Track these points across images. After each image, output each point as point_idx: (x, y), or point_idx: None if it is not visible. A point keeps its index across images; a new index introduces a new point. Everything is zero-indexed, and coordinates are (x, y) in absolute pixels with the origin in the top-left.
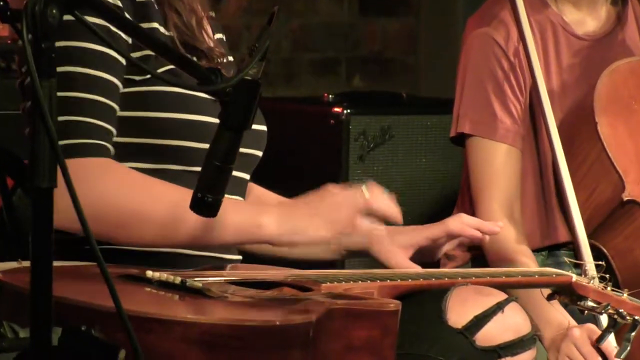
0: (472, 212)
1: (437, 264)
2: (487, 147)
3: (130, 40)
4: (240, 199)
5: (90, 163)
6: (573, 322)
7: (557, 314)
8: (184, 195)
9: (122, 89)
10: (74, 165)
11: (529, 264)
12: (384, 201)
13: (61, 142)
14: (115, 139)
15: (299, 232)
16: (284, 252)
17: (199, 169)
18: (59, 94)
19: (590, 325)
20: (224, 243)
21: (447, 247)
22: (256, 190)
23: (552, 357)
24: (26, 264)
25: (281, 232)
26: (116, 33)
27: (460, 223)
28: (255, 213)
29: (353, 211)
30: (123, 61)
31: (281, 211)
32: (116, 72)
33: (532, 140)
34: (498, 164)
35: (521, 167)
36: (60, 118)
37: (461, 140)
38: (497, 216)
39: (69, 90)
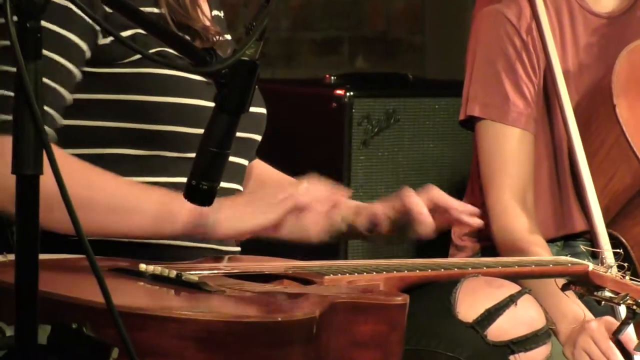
0: (482, 201)
1: (445, 255)
2: (498, 131)
3: (97, 27)
4: (238, 186)
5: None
6: (589, 315)
7: (573, 306)
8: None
9: (78, 78)
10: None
11: (542, 254)
12: (320, 187)
13: None
14: (104, 123)
15: (244, 218)
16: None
17: (193, 155)
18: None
19: (608, 318)
20: (171, 236)
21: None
22: (257, 169)
23: (568, 351)
24: (11, 257)
25: (224, 218)
26: (80, 17)
27: (445, 195)
28: (168, 198)
29: (291, 191)
30: (85, 49)
31: (226, 199)
32: (73, 58)
33: (546, 124)
34: (510, 149)
35: (534, 153)
36: None
37: (471, 124)
38: (508, 204)
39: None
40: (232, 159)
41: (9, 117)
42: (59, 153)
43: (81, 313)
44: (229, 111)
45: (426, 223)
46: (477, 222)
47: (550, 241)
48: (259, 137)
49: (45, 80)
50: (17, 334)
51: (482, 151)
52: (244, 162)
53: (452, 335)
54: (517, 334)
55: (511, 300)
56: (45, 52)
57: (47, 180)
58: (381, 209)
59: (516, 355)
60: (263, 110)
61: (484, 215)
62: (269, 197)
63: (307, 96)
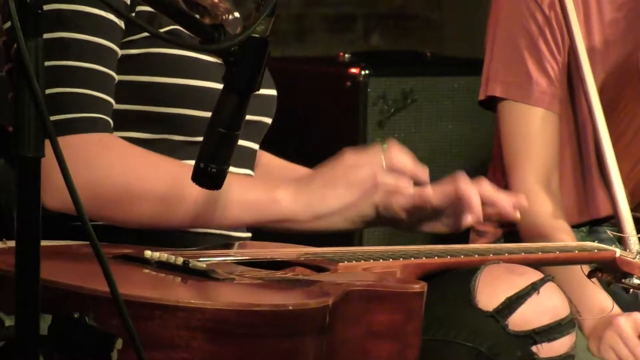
0: (505, 185)
1: (465, 241)
2: (521, 111)
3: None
4: (249, 171)
5: (88, 139)
6: (617, 308)
7: (599, 297)
8: (187, 170)
9: (119, 55)
10: (71, 142)
11: (566, 240)
12: (406, 159)
13: (54, 118)
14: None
15: (319, 203)
16: (301, 226)
17: (201, 138)
18: (50, 63)
19: (637, 315)
20: (233, 223)
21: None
22: (265, 158)
23: (593, 346)
24: (11, 244)
25: (299, 206)
26: None
27: (494, 191)
28: (269, 187)
29: (372, 169)
30: (121, 24)
31: (297, 184)
32: (113, 37)
33: (570, 104)
34: (533, 130)
35: (559, 134)
36: (52, 90)
37: (492, 104)
38: (532, 188)
39: (61, 59)
40: (241, 142)
41: (78, 115)
42: (121, 144)
43: (84, 302)
44: (239, 90)
45: (477, 216)
46: (518, 216)
47: (574, 227)
48: (269, 120)
49: (97, 66)
50: (17, 324)
51: (504, 133)
52: (254, 146)
53: (471, 325)
54: (539, 323)
55: (533, 288)
56: (85, 36)
57: (123, 175)
58: (424, 192)
59: (539, 345)
60: (273, 92)
61: None
62: (346, 174)
63: (320, 75)
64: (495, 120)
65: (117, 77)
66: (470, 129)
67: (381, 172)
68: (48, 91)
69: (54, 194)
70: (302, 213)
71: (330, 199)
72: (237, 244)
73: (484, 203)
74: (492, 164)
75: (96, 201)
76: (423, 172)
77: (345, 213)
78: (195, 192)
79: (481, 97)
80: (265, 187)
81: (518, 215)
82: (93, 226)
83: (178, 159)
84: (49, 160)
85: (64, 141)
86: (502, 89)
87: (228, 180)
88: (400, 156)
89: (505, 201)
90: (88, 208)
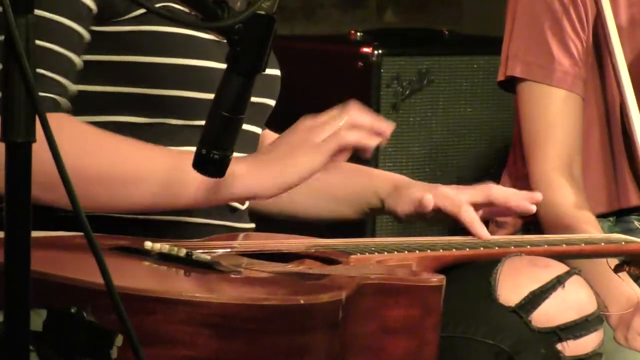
0: (525, 173)
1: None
2: (542, 93)
3: None
4: None
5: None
6: None
7: (626, 288)
8: (144, 150)
9: (87, 39)
10: None
11: (591, 232)
12: (364, 115)
13: None
14: (104, 88)
15: (282, 174)
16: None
17: (201, 123)
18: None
19: None
20: (189, 205)
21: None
22: (268, 139)
23: (621, 335)
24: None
25: (261, 178)
26: None
27: (505, 191)
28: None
29: (332, 130)
30: (92, 6)
31: (254, 157)
32: (78, 18)
33: (597, 85)
34: (554, 113)
35: (582, 117)
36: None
37: (511, 85)
38: (553, 176)
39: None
40: (243, 126)
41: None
42: (72, 122)
43: (81, 296)
44: (243, 71)
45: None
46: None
47: (601, 216)
48: (272, 102)
49: (50, 45)
50: (6, 320)
51: (525, 116)
52: (257, 129)
53: (492, 321)
54: (565, 319)
55: (558, 281)
56: (45, 13)
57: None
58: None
59: (564, 343)
60: (277, 72)
61: (527, 187)
62: (307, 138)
63: (330, 54)
64: (515, 102)
65: (79, 63)
66: (490, 112)
67: (342, 131)
68: None
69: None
70: (264, 186)
71: (293, 168)
72: (242, 235)
73: (497, 204)
74: (513, 150)
75: (42, 184)
76: (385, 125)
77: (352, 201)
78: (148, 171)
79: (500, 77)
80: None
81: (534, 208)
82: (89, 217)
83: (177, 143)
84: None
85: None
86: (523, 69)
87: (182, 158)
88: (359, 113)
89: (517, 198)
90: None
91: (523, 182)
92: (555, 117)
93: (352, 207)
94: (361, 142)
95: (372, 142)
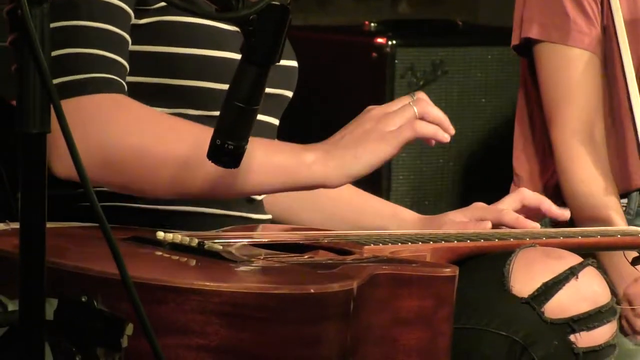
0: (541, 168)
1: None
2: (560, 54)
3: None
4: None
5: (101, 100)
6: None
7: (633, 270)
8: (208, 134)
9: (133, 19)
10: (82, 104)
11: (617, 222)
12: (437, 110)
13: (65, 79)
14: None
15: (352, 163)
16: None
17: (218, 113)
18: (60, 24)
19: None
20: (258, 190)
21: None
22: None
23: (625, 306)
24: (14, 225)
25: (331, 168)
26: None
27: (537, 195)
28: (297, 150)
29: (406, 118)
30: None
31: (325, 145)
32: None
33: (608, 76)
34: (574, 75)
35: (601, 78)
36: (62, 51)
37: (526, 49)
38: (573, 142)
39: (71, 19)
40: (260, 117)
41: (90, 75)
42: (137, 105)
43: (92, 285)
44: (258, 62)
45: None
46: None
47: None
48: (290, 94)
49: (106, 25)
50: (21, 310)
51: (544, 79)
52: (274, 121)
53: (505, 313)
54: (578, 310)
55: (572, 272)
56: None
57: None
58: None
59: (577, 334)
60: (294, 64)
61: (545, 159)
62: (376, 128)
63: (344, 45)
64: (520, 70)
65: (130, 42)
66: (504, 102)
67: (416, 122)
68: (58, 52)
69: (62, 161)
70: (334, 176)
71: (363, 158)
72: (256, 226)
73: (530, 206)
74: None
75: (109, 166)
76: (448, 125)
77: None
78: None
79: (514, 41)
80: (292, 150)
81: (567, 214)
82: (102, 207)
83: None
84: (56, 125)
85: (75, 103)
86: (538, 30)
87: (251, 144)
88: (430, 105)
89: (550, 204)
90: (100, 174)
91: (540, 155)
92: (574, 79)
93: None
94: (436, 136)
95: (444, 137)
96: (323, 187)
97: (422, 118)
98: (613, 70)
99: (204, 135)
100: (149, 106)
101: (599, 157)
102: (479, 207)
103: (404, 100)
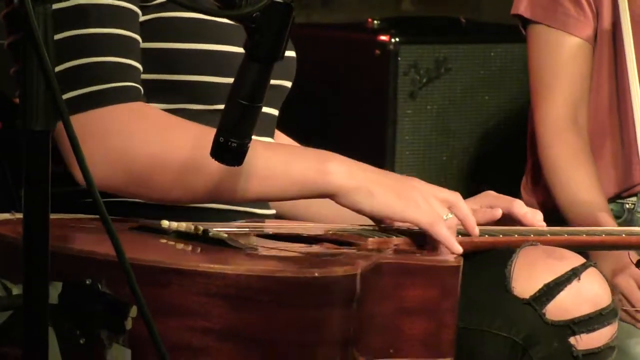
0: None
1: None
2: (548, 36)
3: None
4: (269, 139)
5: (120, 110)
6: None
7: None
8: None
9: (140, 16)
10: (101, 115)
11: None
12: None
13: (83, 91)
14: None
15: (367, 194)
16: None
17: (221, 106)
18: (71, 33)
19: None
20: (275, 196)
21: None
22: (277, 138)
23: (627, 307)
24: (20, 216)
25: (352, 183)
26: None
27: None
28: (319, 156)
29: (438, 211)
30: None
31: (352, 161)
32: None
33: (612, 72)
34: (560, 58)
35: (590, 64)
36: (77, 62)
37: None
38: (555, 127)
39: (81, 27)
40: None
41: (107, 86)
42: (154, 110)
43: (96, 268)
44: (261, 59)
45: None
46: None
47: (613, 200)
48: (289, 84)
49: (116, 30)
50: (25, 294)
51: (532, 60)
52: (274, 112)
53: (506, 314)
54: (579, 312)
55: (574, 274)
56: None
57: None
58: None
59: (577, 336)
60: (292, 54)
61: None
62: (414, 191)
63: (347, 42)
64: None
65: (141, 40)
66: (508, 99)
67: (442, 220)
68: (72, 63)
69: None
70: (345, 193)
71: (378, 200)
72: (261, 219)
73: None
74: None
75: (130, 175)
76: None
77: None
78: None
79: (513, 11)
80: (314, 155)
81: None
82: (106, 202)
83: None
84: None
85: (94, 114)
86: (526, 8)
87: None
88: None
89: (520, 209)
90: (122, 183)
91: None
92: (560, 63)
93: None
94: (445, 244)
95: (457, 250)
96: (334, 198)
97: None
98: (621, 67)
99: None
100: (167, 112)
101: (580, 143)
102: (490, 195)
103: (449, 194)
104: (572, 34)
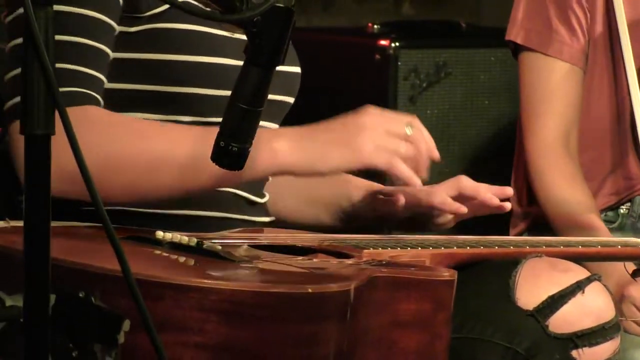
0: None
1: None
2: (541, 63)
3: None
4: None
5: (70, 113)
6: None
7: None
8: (176, 133)
9: (117, 30)
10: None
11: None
12: (428, 140)
13: None
14: (117, 85)
15: (319, 161)
16: (293, 216)
17: (216, 119)
18: None
19: None
20: (216, 182)
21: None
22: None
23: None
24: (14, 223)
25: (297, 159)
26: None
27: (475, 184)
28: (268, 137)
29: (392, 148)
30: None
31: (299, 135)
32: (110, 11)
33: (611, 80)
34: (553, 84)
35: (581, 91)
36: None
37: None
38: (548, 151)
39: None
40: (262, 123)
41: (64, 90)
42: (99, 112)
43: (90, 281)
44: (262, 64)
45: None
46: (507, 206)
47: (613, 208)
48: (291, 100)
49: (87, 41)
50: (26, 306)
51: (524, 85)
52: (275, 126)
53: (509, 324)
54: (582, 326)
55: (578, 287)
56: (78, 9)
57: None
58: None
59: (580, 350)
60: (297, 70)
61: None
62: (362, 134)
63: (347, 47)
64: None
65: (111, 54)
66: (508, 105)
67: (398, 156)
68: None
69: (59, 176)
70: (299, 167)
71: (331, 161)
72: (256, 229)
73: (467, 197)
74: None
75: (78, 181)
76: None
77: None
78: (178, 153)
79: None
80: (266, 137)
81: (508, 205)
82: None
83: None
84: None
85: None
86: (520, 35)
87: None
88: (424, 136)
89: (486, 191)
90: (71, 190)
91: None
92: (553, 89)
93: (329, 211)
94: (408, 182)
95: (416, 183)
96: (288, 174)
97: (412, 144)
98: (619, 73)
99: (174, 135)
100: (119, 113)
101: (573, 167)
102: (412, 189)
103: (403, 119)
104: (565, 61)
